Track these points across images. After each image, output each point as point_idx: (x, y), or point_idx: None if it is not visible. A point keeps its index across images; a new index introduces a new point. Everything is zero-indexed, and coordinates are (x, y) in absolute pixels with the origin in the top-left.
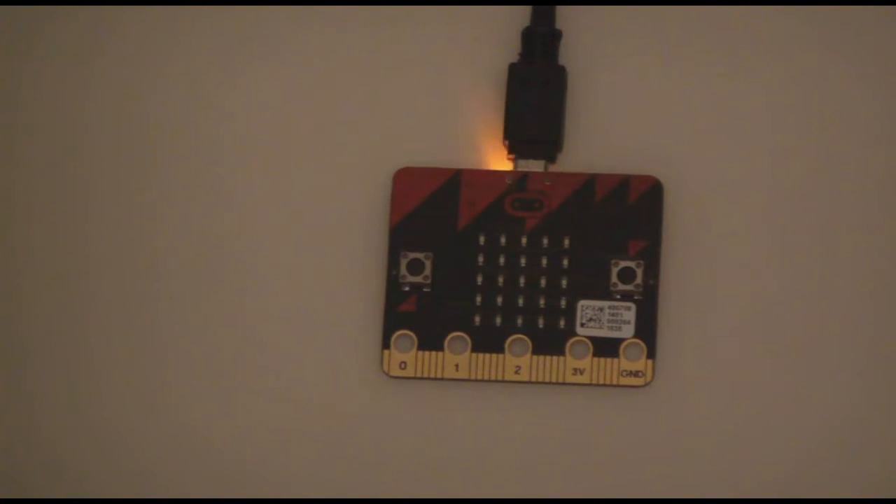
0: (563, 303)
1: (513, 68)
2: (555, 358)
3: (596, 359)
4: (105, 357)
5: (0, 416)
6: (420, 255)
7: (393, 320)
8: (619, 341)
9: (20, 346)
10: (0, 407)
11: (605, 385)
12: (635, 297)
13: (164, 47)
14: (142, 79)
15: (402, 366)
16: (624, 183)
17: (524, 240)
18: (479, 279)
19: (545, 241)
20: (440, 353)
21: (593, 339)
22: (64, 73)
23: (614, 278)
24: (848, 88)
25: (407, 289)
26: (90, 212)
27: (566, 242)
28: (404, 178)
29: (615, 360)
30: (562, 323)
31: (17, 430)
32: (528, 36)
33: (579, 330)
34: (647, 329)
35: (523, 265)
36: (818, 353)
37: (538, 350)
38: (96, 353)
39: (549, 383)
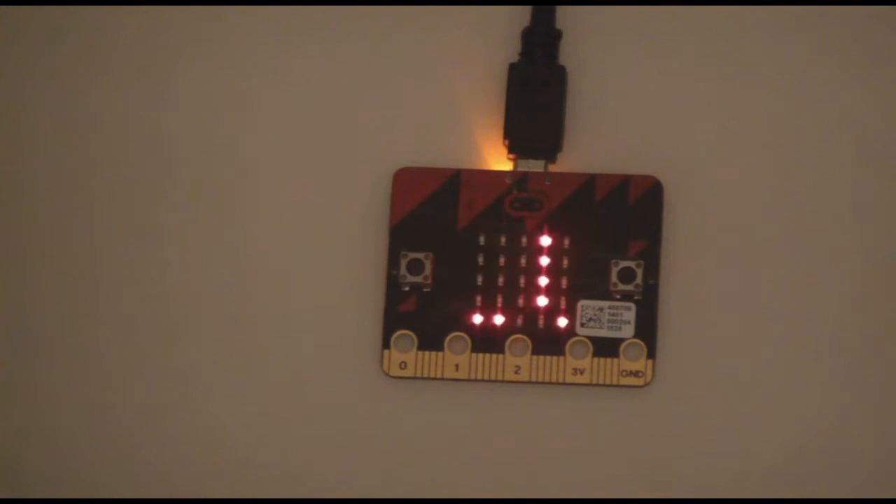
0: (563, 303)
1: (513, 68)
2: (555, 358)
3: (596, 359)
4: (107, 356)
5: (8, 416)
6: (420, 255)
7: (393, 320)
8: (619, 341)
9: (28, 345)
10: (8, 406)
11: (605, 385)
12: (635, 297)
13: (164, 49)
14: (144, 80)
15: (402, 366)
16: (624, 183)
17: (524, 240)
18: (479, 279)
19: (545, 241)
20: (440, 353)
21: (593, 339)
22: (70, 75)
23: (614, 278)
24: (848, 89)
25: (407, 289)
26: (96, 212)
27: (566, 242)
28: (404, 178)
29: (615, 360)
30: (562, 323)
31: (25, 429)
32: (528, 36)
33: (579, 330)
34: (647, 329)
35: (523, 265)
36: (818, 353)
37: (538, 350)
38: (102, 352)
39: (549, 383)
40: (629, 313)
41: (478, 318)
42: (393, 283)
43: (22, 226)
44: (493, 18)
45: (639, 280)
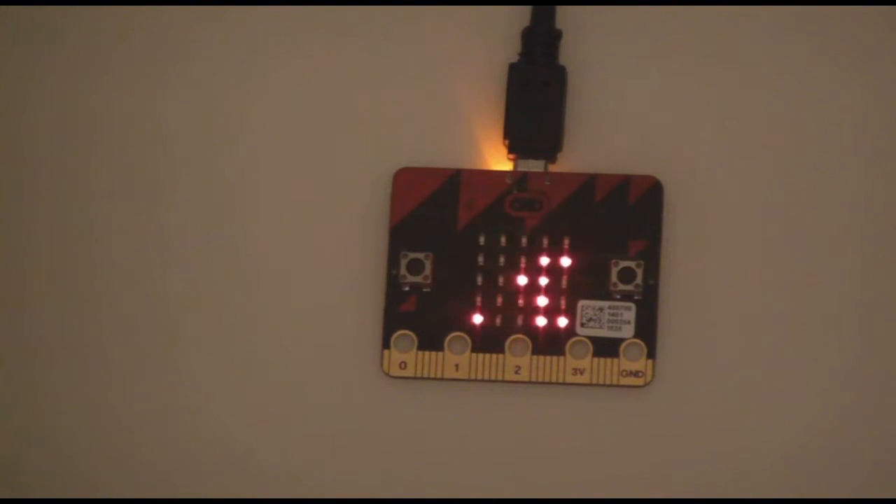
0: (563, 303)
1: (513, 68)
2: (555, 358)
3: (596, 359)
4: (108, 356)
5: (10, 415)
6: (420, 255)
7: (393, 320)
8: (619, 341)
9: (29, 345)
10: (10, 406)
11: (605, 385)
12: (635, 297)
13: (164, 49)
14: (147, 80)
15: (402, 366)
16: (624, 183)
17: (524, 240)
18: (479, 279)
19: (545, 241)
20: (440, 353)
21: (593, 339)
22: (73, 75)
23: (614, 278)
24: (848, 89)
25: (407, 289)
26: (97, 213)
27: (566, 242)
28: (404, 178)
29: (615, 360)
30: (562, 323)
31: (27, 429)
32: (528, 36)
33: (579, 330)
34: (647, 329)
35: (523, 265)
36: (818, 353)
37: (538, 350)
38: (102, 353)
39: (549, 383)
40: (629, 313)
41: (478, 318)
42: (393, 283)
43: (22, 226)
44: (493, 18)
45: (639, 280)
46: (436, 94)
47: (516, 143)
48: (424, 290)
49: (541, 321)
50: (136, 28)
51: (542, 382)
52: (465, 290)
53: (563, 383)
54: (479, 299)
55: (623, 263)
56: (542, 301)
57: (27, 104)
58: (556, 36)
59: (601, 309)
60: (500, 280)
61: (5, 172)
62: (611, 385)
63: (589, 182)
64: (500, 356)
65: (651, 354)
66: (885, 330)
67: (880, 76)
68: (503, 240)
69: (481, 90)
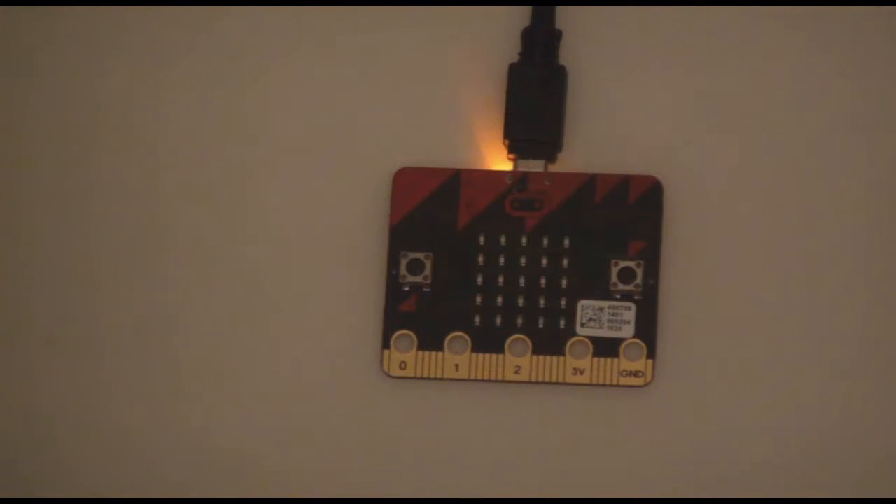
0: (563, 303)
1: (513, 68)
2: (555, 358)
3: (596, 359)
4: (109, 357)
5: (5, 416)
6: (420, 255)
7: (393, 320)
8: (619, 341)
9: (26, 344)
10: (5, 406)
11: (605, 385)
12: (635, 297)
13: (165, 49)
14: (147, 80)
15: (402, 366)
16: (624, 183)
17: (524, 240)
18: (479, 279)
19: (545, 241)
20: (440, 353)
21: (593, 339)
22: (73, 74)
23: (614, 278)
24: (850, 90)
25: (407, 289)
26: (97, 211)
27: (566, 242)
28: (404, 178)
29: (615, 360)
30: (562, 323)
31: (22, 428)
32: (528, 36)
33: (579, 330)
34: (647, 329)
35: (523, 265)
36: (817, 353)
37: (538, 350)
38: (103, 354)
39: (549, 383)
40: (629, 313)
41: (478, 318)
42: (393, 283)
43: (21, 225)
44: (493, 18)
45: (639, 280)
46: (436, 94)
47: (516, 143)
48: (424, 290)
49: (541, 321)
50: (136, 28)
51: (542, 382)
52: (465, 290)
53: (563, 383)
54: (479, 299)
55: (623, 263)
56: (542, 301)
57: (27, 104)
58: (556, 36)
59: (601, 309)
60: (500, 280)
61: (5, 172)
62: (611, 385)
63: (589, 182)
64: (500, 356)
65: (651, 354)
66: (885, 330)
67: (880, 76)
68: (503, 240)
69: (481, 90)
